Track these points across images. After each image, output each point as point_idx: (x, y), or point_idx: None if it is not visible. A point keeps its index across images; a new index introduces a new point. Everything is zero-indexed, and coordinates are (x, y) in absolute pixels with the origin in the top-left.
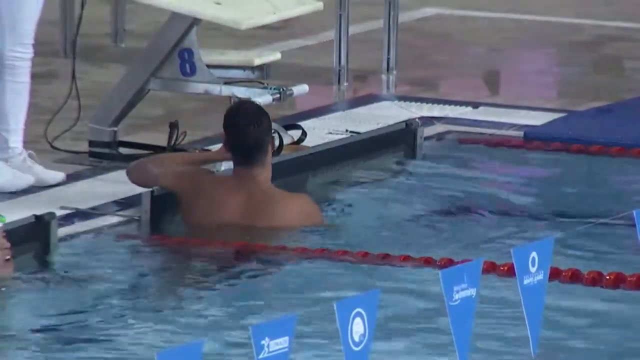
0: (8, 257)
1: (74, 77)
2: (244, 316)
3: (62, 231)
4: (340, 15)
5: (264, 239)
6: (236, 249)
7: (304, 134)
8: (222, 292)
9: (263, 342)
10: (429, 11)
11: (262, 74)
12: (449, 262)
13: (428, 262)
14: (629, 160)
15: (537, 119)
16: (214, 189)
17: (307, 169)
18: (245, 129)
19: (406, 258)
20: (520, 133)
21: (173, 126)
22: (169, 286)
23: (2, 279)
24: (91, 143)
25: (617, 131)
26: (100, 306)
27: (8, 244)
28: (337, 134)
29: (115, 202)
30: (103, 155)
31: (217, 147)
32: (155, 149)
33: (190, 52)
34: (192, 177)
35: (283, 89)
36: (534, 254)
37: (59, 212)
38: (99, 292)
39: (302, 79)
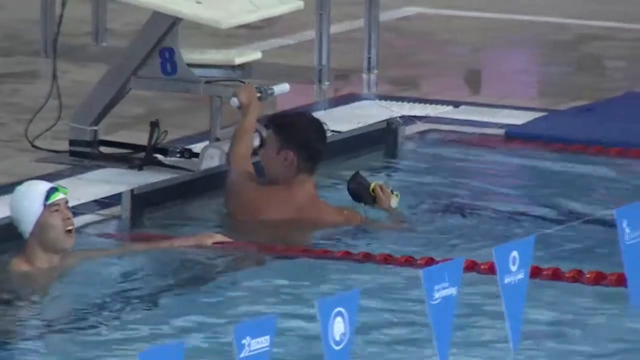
0: (70, 227)
1: (54, 76)
2: (227, 315)
3: None
4: (321, 14)
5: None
6: (219, 247)
7: None
8: (203, 291)
9: (244, 341)
10: (410, 10)
11: (243, 73)
12: (430, 261)
13: (409, 261)
14: (609, 159)
15: (518, 118)
16: (279, 191)
17: None
18: (324, 142)
19: (387, 257)
20: (502, 132)
21: (154, 125)
22: (150, 285)
23: (63, 250)
24: (72, 142)
25: (597, 130)
26: (82, 305)
27: (69, 215)
28: None
29: (96, 201)
30: (84, 154)
31: (199, 145)
32: (136, 148)
33: (171, 51)
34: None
35: (264, 88)
36: (514, 253)
37: None
38: (81, 291)
39: (283, 78)
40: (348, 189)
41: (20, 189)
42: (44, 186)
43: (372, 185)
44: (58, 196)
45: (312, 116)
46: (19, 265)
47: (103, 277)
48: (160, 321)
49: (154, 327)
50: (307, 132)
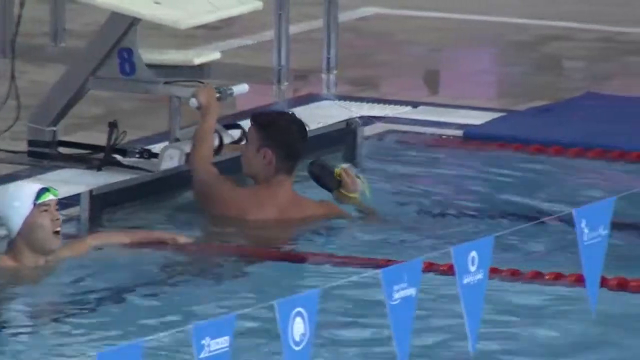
0: (58, 229)
1: (12, 76)
2: (187, 316)
3: (2, 232)
4: (280, 14)
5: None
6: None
7: (244, 133)
8: (162, 290)
9: (203, 341)
10: (369, 10)
11: (202, 74)
12: (389, 262)
13: (368, 262)
14: (567, 159)
15: (477, 118)
16: (259, 191)
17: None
18: (304, 142)
19: (347, 258)
20: (460, 132)
21: (112, 126)
22: (108, 285)
23: (49, 251)
24: (30, 142)
25: (556, 131)
26: (40, 304)
27: (59, 216)
28: None
29: None
30: (42, 155)
31: (158, 146)
32: (95, 149)
33: (129, 51)
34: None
35: (223, 89)
36: (473, 253)
37: None
38: (39, 290)
39: (242, 78)
40: (310, 172)
41: (10, 187)
42: (34, 186)
43: (337, 170)
44: (48, 197)
45: (294, 116)
46: (4, 261)
47: (84, 274)
48: (123, 321)
49: (117, 327)
50: (288, 132)
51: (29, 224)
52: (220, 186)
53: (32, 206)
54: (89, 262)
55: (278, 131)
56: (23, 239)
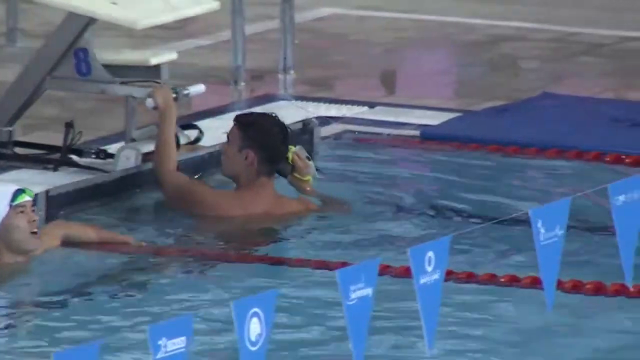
0: (35, 229)
1: None
2: (145, 316)
3: None
4: (237, 14)
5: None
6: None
7: (201, 133)
8: (124, 291)
9: (160, 342)
10: (325, 11)
11: (158, 74)
12: (346, 263)
13: (324, 264)
14: (524, 159)
15: (434, 118)
16: (240, 194)
17: (203, 168)
18: (286, 145)
19: (302, 260)
20: (417, 132)
21: (68, 126)
22: (63, 286)
23: (27, 251)
24: None
25: (512, 131)
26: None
27: (36, 217)
28: None
29: None
30: None
31: (114, 146)
32: (51, 149)
33: (85, 51)
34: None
35: (179, 89)
36: (430, 254)
37: None
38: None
39: (198, 78)
40: None
41: None
42: (10, 187)
43: (289, 154)
44: (24, 198)
45: (277, 118)
46: None
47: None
48: (78, 321)
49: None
50: (270, 134)
51: (5, 226)
52: (202, 191)
53: (8, 208)
54: (59, 261)
55: (260, 133)
56: (1, 240)
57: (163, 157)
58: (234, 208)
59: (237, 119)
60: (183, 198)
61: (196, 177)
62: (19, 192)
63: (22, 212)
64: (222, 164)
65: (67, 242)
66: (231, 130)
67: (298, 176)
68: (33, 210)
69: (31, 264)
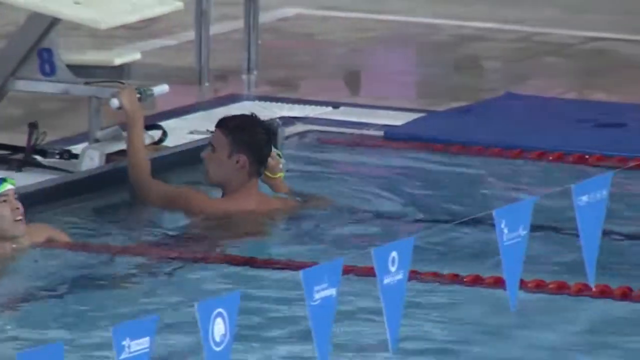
0: (19, 217)
1: None
2: (110, 316)
3: None
4: (201, 15)
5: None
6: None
7: (165, 134)
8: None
9: (124, 342)
10: (289, 11)
11: (122, 74)
12: (310, 263)
13: (289, 264)
14: (488, 159)
15: (397, 119)
16: (236, 199)
17: (168, 169)
18: (269, 144)
19: (269, 261)
20: (381, 133)
21: (32, 126)
22: (24, 287)
23: (14, 237)
24: None
25: (476, 131)
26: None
27: (19, 205)
28: (198, 134)
29: None
30: None
31: (78, 147)
32: (15, 149)
33: (49, 51)
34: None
35: (143, 89)
36: (393, 254)
37: None
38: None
39: (162, 78)
40: None
41: None
42: None
43: None
44: (6, 187)
45: (258, 118)
46: None
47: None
48: (41, 320)
49: (34, 327)
50: (258, 135)
51: None
52: (194, 197)
53: None
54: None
55: (249, 135)
56: None
57: (137, 166)
58: (230, 212)
59: (223, 125)
60: (171, 205)
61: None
62: (0, 181)
63: (4, 200)
64: (209, 172)
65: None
66: (216, 137)
67: (269, 174)
68: (16, 198)
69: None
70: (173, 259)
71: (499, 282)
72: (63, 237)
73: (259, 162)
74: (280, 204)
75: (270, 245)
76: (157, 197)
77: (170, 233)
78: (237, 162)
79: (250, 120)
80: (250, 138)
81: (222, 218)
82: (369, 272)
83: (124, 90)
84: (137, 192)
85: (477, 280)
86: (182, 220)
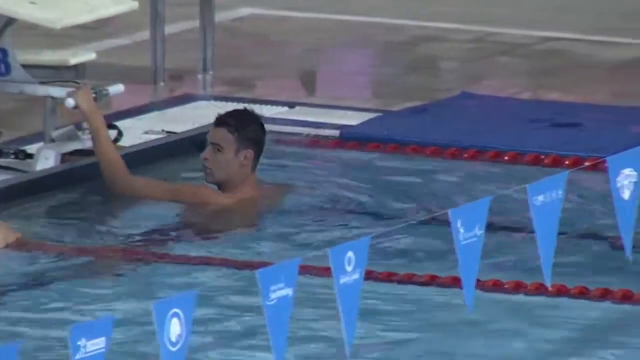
0: None
1: None
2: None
3: None
4: (156, 14)
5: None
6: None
7: (120, 133)
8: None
9: (80, 342)
10: (245, 11)
11: (77, 74)
12: (266, 263)
13: (245, 264)
14: (443, 159)
15: (353, 119)
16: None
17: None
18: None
19: (224, 260)
20: (337, 133)
21: None
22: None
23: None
24: None
25: (432, 131)
26: None
27: None
28: (153, 133)
29: None
30: None
31: (33, 146)
32: None
33: (4, 51)
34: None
35: (99, 89)
36: (350, 254)
37: None
38: None
39: (118, 78)
40: None
41: None
42: None
43: None
44: None
45: (254, 111)
46: None
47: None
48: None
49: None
50: (259, 127)
51: None
52: (201, 194)
53: None
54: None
55: (252, 130)
56: None
57: (111, 163)
58: (234, 206)
59: (226, 123)
60: (177, 199)
61: None
62: None
63: None
64: (213, 171)
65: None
66: (221, 136)
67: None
68: None
69: None
70: (130, 259)
71: (455, 282)
72: (16, 236)
73: (259, 154)
74: (274, 190)
75: (224, 243)
76: (159, 193)
77: (130, 231)
78: (245, 157)
79: (249, 115)
80: (254, 132)
81: (228, 212)
82: (325, 273)
83: (80, 90)
84: (115, 187)
85: (433, 280)
86: (143, 218)
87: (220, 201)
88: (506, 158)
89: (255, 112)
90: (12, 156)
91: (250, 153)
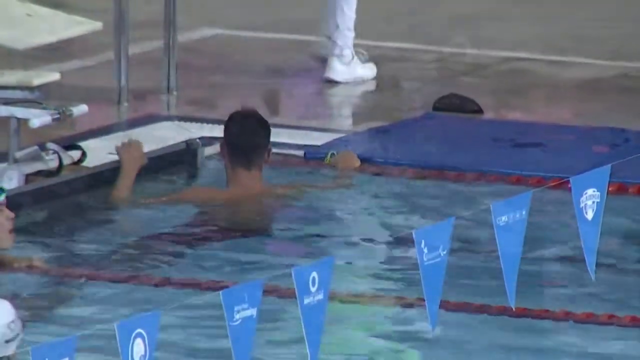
0: (11, 228)
1: None
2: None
3: None
4: (120, 35)
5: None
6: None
7: (84, 154)
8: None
9: None
10: (208, 32)
11: (41, 94)
12: (230, 283)
13: (209, 286)
14: (408, 180)
15: (317, 139)
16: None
17: (87, 189)
18: (247, 133)
19: (187, 281)
20: (301, 153)
21: None
22: None
23: (2, 249)
24: None
25: (395, 151)
26: None
27: (12, 215)
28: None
29: None
30: None
31: None
32: None
33: None
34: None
35: (63, 110)
36: (314, 274)
37: None
38: None
39: (82, 99)
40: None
41: None
42: None
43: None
44: (2, 196)
45: (252, 110)
46: None
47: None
48: None
49: None
50: (233, 124)
51: None
52: (200, 191)
53: None
54: None
55: (226, 127)
56: None
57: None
58: (229, 199)
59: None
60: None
61: None
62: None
63: (0, 210)
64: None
65: None
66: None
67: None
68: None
69: None
70: (92, 278)
71: (420, 302)
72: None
73: (237, 152)
74: (274, 190)
75: (186, 264)
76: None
77: (95, 250)
78: (221, 151)
79: (233, 114)
80: (226, 129)
81: (224, 207)
82: (288, 294)
83: (132, 144)
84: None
85: (398, 300)
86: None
87: (213, 196)
88: (469, 178)
89: (244, 113)
90: None
91: (223, 147)
